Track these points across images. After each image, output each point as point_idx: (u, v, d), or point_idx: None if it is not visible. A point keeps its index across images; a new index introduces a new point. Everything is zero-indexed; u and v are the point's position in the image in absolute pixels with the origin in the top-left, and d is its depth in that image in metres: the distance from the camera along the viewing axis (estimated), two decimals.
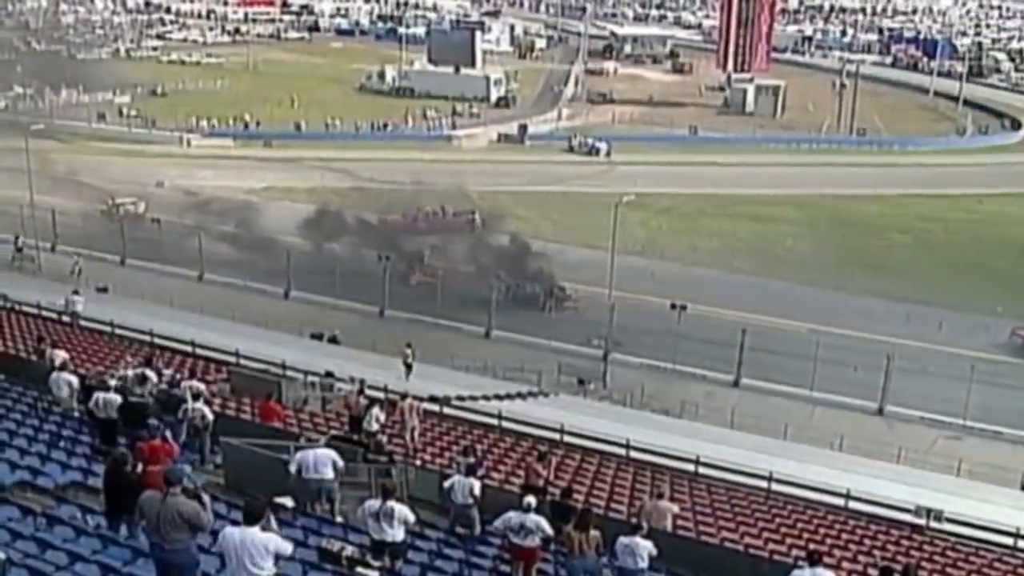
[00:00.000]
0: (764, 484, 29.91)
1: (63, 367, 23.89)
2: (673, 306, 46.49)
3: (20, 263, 54.49)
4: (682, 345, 44.61)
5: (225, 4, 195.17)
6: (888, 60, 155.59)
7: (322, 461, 18.16)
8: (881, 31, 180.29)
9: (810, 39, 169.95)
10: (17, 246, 55.47)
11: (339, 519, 18.01)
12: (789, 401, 41.64)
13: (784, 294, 54.06)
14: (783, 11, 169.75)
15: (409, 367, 40.62)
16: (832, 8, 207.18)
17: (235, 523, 11.79)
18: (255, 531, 11.49)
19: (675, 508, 21.19)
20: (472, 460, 20.78)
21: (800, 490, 29.56)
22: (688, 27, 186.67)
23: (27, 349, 31.76)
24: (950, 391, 40.09)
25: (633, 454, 31.50)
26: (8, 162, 60.76)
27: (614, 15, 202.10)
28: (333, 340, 45.77)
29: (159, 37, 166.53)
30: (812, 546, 22.83)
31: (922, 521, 27.89)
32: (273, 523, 12.71)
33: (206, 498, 12.94)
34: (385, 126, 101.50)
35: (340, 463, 18.39)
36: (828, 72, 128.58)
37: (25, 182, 55.91)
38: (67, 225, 58.18)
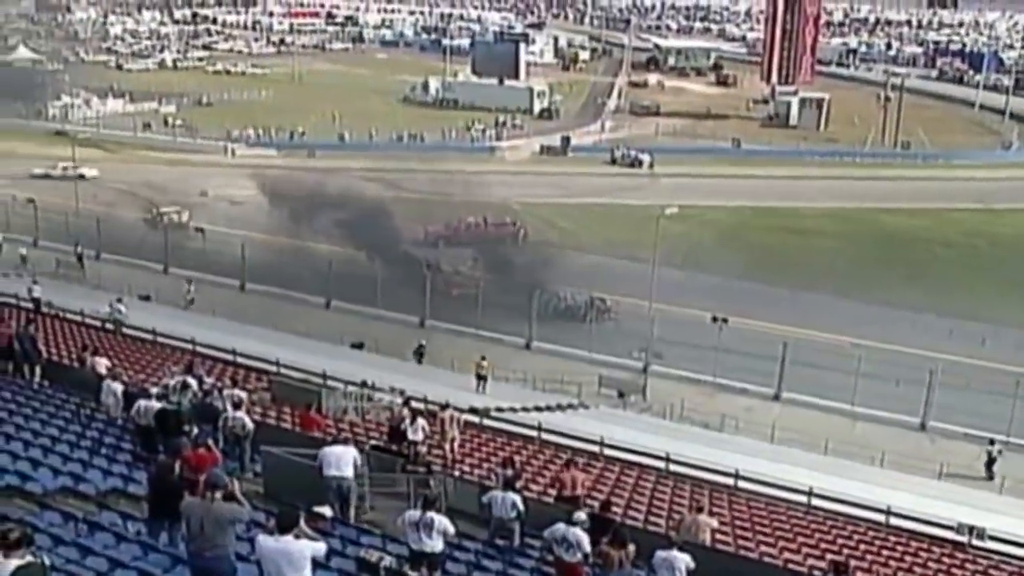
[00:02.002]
0: (804, 499, 29.61)
1: (111, 375, 24.11)
2: (714, 319, 46.23)
3: (77, 271, 54.83)
4: (723, 358, 44.30)
5: (271, 15, 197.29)
6: (934, 73, 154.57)
7: (345, 460, 18.38)
8: (927, 44, 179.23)
9: (855, 52, 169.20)
10: (77, 253, 55.99)
11: (352, 520, 18.14)
12: (830, 415, 41.23)
13: (826, 307, 53.59)
14: (828, 24, 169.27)
15: (483, 379, 40.89)
16: (877, 21, 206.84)
17: (272, 532, 11.87)
18: (289, 539, 11.57)
19: (714, 522, 21.09)
20: (511, 473, 20.74)
21: (840, 505, 29.21)
22: (732, 39, 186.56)
23: (71, 356, 32.10)
24: (993, 406, 39.58)
25: (672, 467, 31.29)
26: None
27: (658, 27, 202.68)
28: (420, 351, 45.18)
29: (205, 48, 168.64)
30: (853, 563, 22.75)
31: (964, 538, 27.53)
32: (306, 529, 12.78)
33: (236, 486, 13.20)
34: (420, 138, 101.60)
35: (359, 460, 18.66)
36: (873, 85, 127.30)
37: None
38: (110, 234, 58.57)
